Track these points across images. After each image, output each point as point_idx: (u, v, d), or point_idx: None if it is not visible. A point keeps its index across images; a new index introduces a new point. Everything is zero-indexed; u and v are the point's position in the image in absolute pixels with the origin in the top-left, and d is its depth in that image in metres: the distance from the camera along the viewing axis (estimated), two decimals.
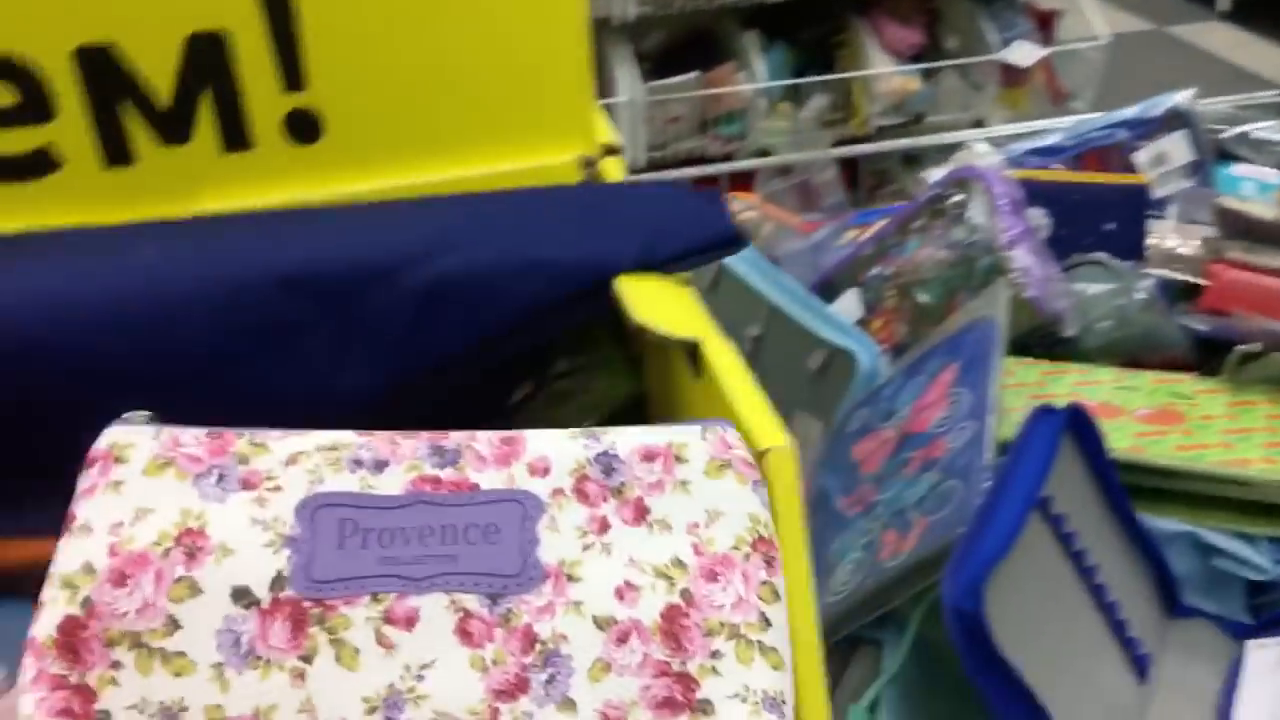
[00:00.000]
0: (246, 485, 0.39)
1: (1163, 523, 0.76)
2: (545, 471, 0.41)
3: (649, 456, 0.43)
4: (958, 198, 0.98)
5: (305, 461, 0.40)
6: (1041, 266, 0.91)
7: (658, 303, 0.55)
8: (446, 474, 0.40)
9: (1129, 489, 0.74)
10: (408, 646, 0.39)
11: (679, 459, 0.43)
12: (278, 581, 0.38)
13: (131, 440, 0.39)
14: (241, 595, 0.38)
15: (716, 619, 0.42)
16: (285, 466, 0.40)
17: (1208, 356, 0.88)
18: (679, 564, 0.42)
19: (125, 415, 0.42)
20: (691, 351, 0.51)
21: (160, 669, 0.38)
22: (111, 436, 0.40)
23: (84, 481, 0.39)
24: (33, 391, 0.52)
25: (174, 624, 0.38)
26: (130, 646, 0.38)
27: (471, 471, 0.41)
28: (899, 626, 0.73)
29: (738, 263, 0.99)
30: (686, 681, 0.41)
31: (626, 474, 0.42)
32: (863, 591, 0.70)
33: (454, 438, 0.42)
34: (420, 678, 0.39)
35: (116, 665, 0.38)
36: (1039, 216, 0.98)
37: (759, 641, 0.42)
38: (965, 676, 0.71)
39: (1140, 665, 0.70)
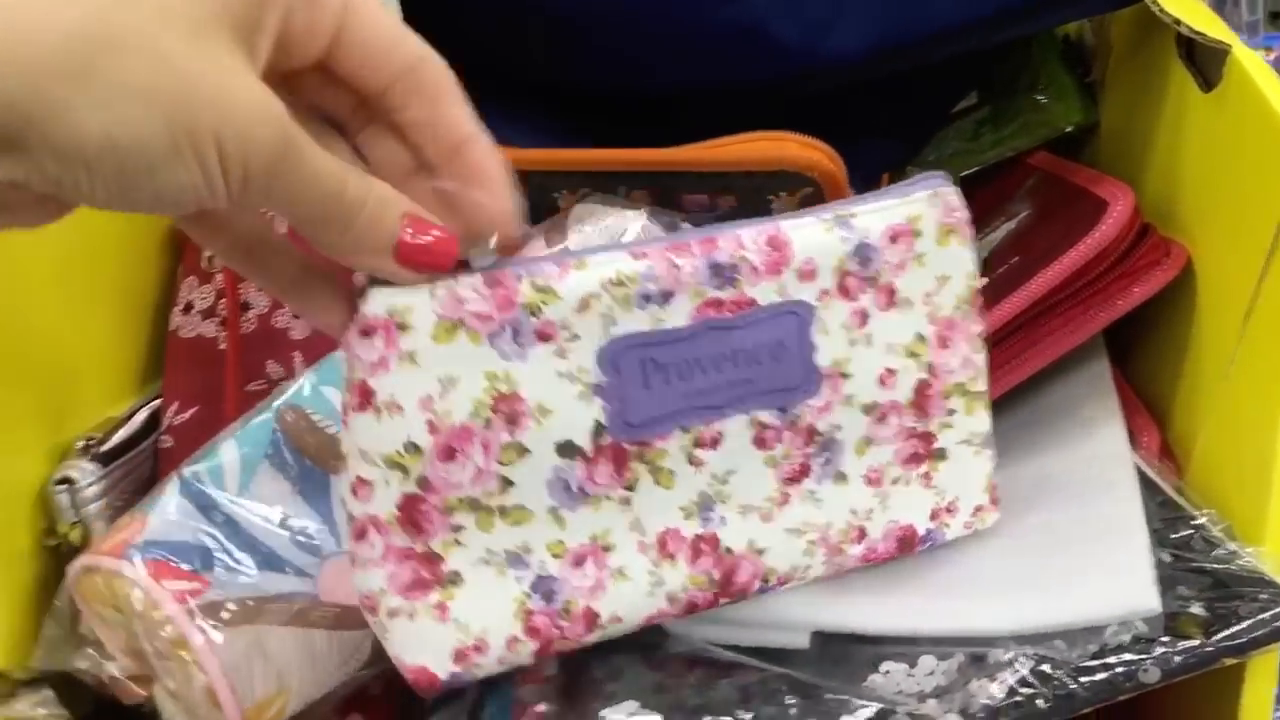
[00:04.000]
0: (543, 337, 0.39)
1: None
2: (812, 275, 0.42)
3: (895, 237, 0.43)
4: None
5: (596, 305, 0.39)
6: None
7: (1177, 6, 0.52)
8: (727, 294, 0.41)
9: None
10: (713, 461, 0.43)
11: (915, 233, 0.43)
12: (598, 431, 0.40)
13: (409, 302, 0.37)
14: (566, 449, 0.40)
15: (950, 382, 0.45)
16: (577, 313, 0.39)
17: None
18: (920, 339, 0.44)
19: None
20: (1219, 56, 0.49)
21: (500, 522, 0.40)
22: (386, 299, 0.36)
23: (368, 352, 0.37)
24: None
25: (507, 483, 0.40)
26: (469, 510, 0.40)
27: (747, 286, 0.41)
28: None
29: None
30: (928, 438, 0.46)
31: (878, 260, 0.43)
32: None
33: (724, 247, 0.41)
34: (725, 481, 0.43)
35: (458, 529, 0.40)
36: None
37: (978, 391, 0.46)
38: None
39: None
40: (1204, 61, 0.52)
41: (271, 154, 0.29)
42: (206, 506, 0.46)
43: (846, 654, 0.45)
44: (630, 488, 0.42)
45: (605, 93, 0.64)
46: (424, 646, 0.40)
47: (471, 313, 0.38)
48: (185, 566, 0.44)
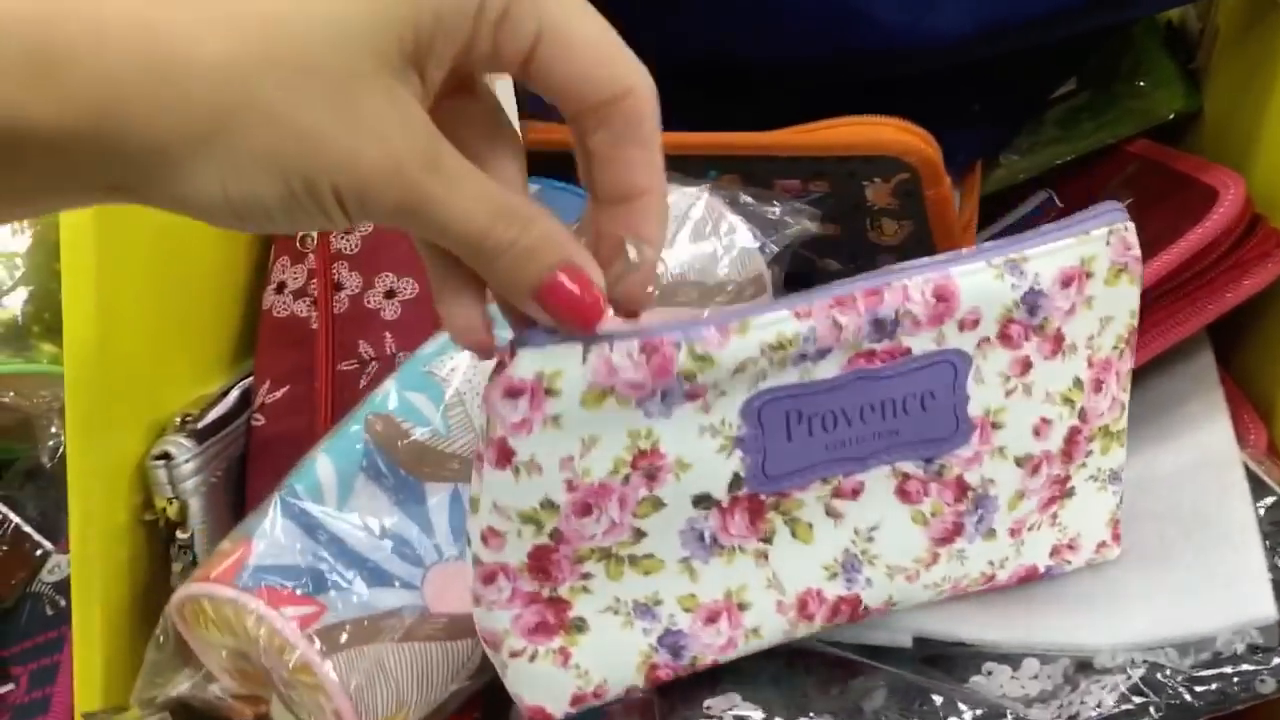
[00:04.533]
0: (691, 397, 0.37)
1: None
2: (975, 323, 0.40)
3: (1067, 281, 0.40)
4: None
5: (751, 367, 0.37)
6: None
7: None
8: (883, 345, 0.39)
9: None
10: (854, 513, 0.41)
11: (1088, 275, 0.41)
12: (735, 483, 0.39)
13: (559, 367, 0.35)
14: (702, 500, 0.39)
15: (1098, 426, 0.43)
16: (731, 376, 0.37)
17: None
18: (1078, 384, 0.42)
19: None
20: None
21: (630, 571, 0.39)
22: (535, 363, 0.35)
23: (512, 414, 0.35)
24: None
25: (639, 534, 0.39)
26: (599, 559, 0.39)
27: (904, 337, 0.39)
28: None
29: None
30: (1065, 481, 0.44)
31: (1048, 307, 0.40)
32: None
33: (889, 301, 0.38)
34: (870, 539, 0.41)
35: (587, 576, 0.39)
36: None
37: (1118, 431, 0.44)
38: None
39: None
40: None
41: (396, 208, 0.29)
42: (311, 526, 0.46)
43: (948, 654, 0.44)
44: (767, 540, 0.40)
45: (698, 70, 0.63)
46: (543, 688, 0.40)
47: (625, 381, 0.36)
48: (300, 591, 0.44)
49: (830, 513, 0.41)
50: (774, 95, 0.62)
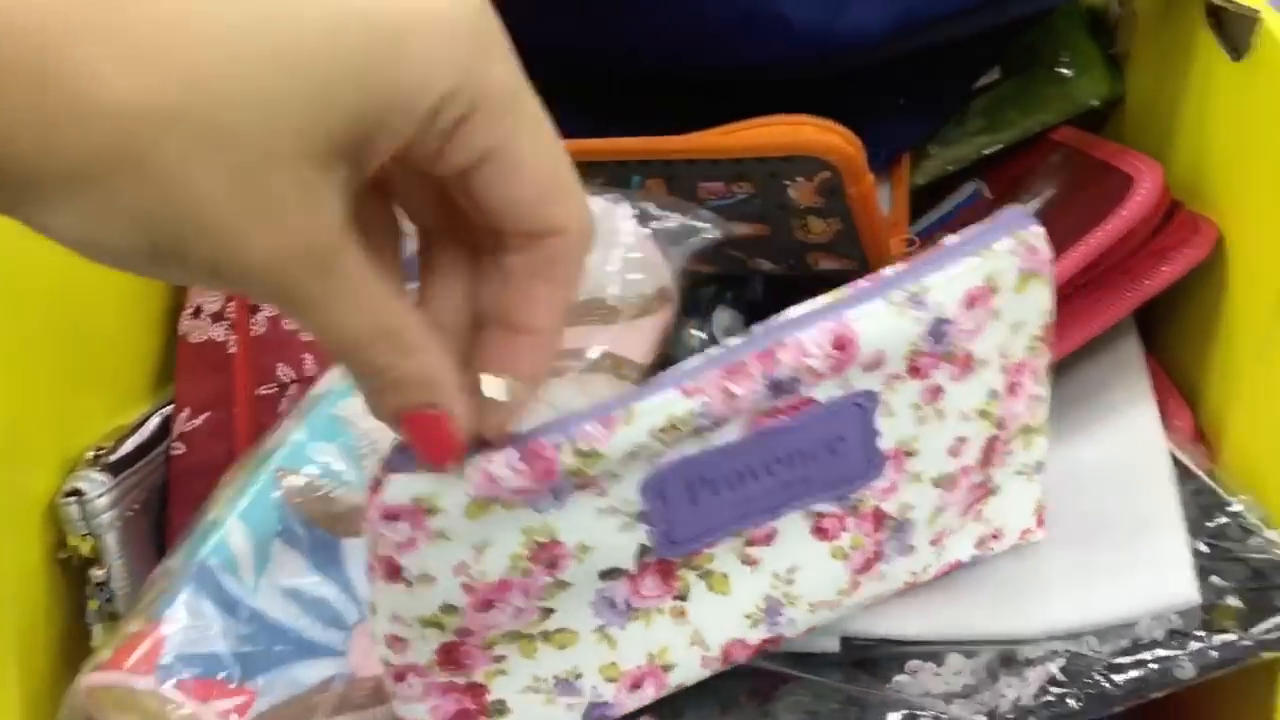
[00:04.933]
0: (582, 487, 0.36)
1: None
2: (879, 365, 0.38)
3: (972, 302, 0.38)
4: None
5: (643, 452, 0.36)
6: None
7: None
8: (783, 402, 0.37)
9: None
10: (771, 558, 0.40)
11: (994, 290, 0.39)
12: (643, 552, 0.38)
13: (435, 489, 0.33)
14: (610, 574, 0.38)
15: (1017, 427, 0.42)
16: (622, 463, 0.36)
17: None
18: (993, 395, 0.41)
19: None
20: (1249, 23, 0.47)
21: (544, 647, 0.38)
22: (409, 489, 0.33)
23: (394, 534, 0.34)
24: None
25: (548, 612, 0.38)
26: (511, 640, 0.38)
27: (806, 389, 0.37)
28: None
29: None
30: (987, 484, 0.43)
31: (954, 332, 0.38)
32: None
33: (786, 361, 0.36)
34: (791, 581, 0.40)
35: (500, 659, 0.38)
36: None
37: (1039, 425, 0.44)
38: None
39: None
40: (1232, 29, 0.50)
41: (271, 297, 0.27)
42: (230, 603, 0.44)
43: (874, 654, 0.44)
44: (682, 597, 0.39)
45: (621, 79, 0.62)
46: None
47: (509, 489, 0.34)
48: (228, 679, 0.42)
49: (745, 560, 0.40)
50: (701, 101, 0.61)
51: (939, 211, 0.68)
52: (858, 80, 0.60)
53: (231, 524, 0.45)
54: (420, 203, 0.31)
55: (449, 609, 0.36)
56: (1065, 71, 0.64)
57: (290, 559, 0.45)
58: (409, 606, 0.36)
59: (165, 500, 0.54)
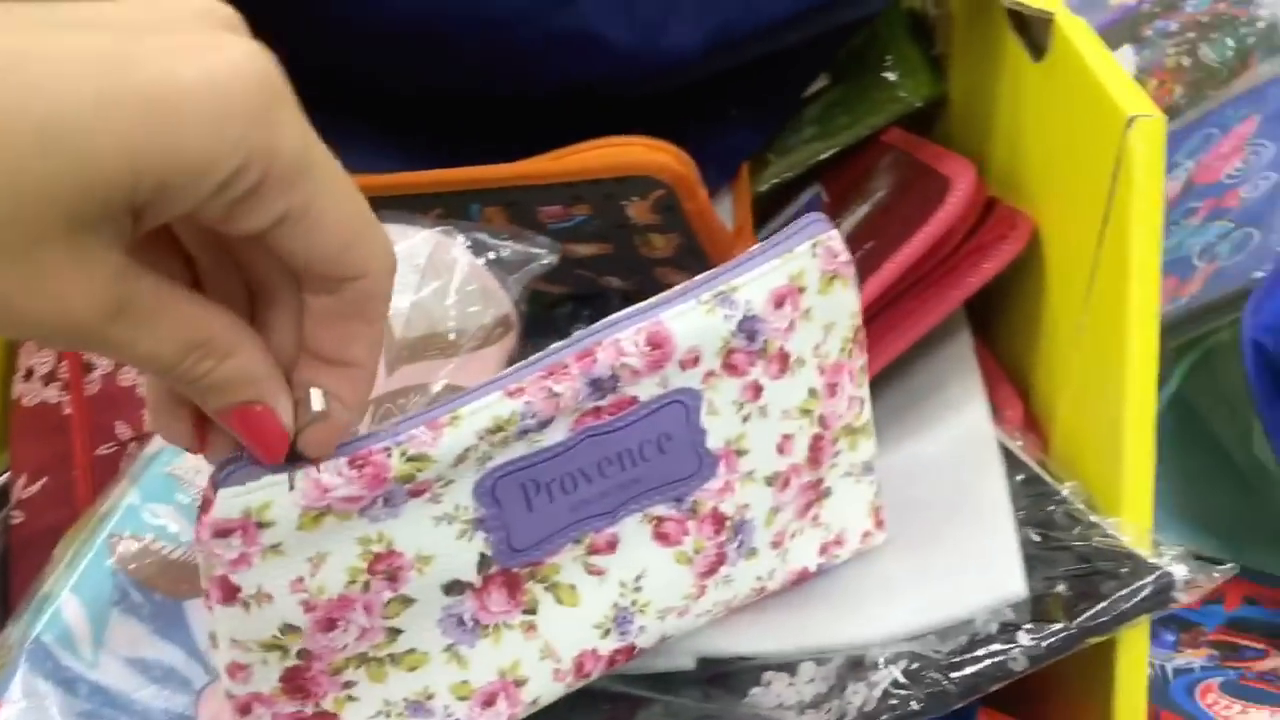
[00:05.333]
0: (415, 494, 0.36)
1: None
2: (696, 361, 0.40)
3: (779, 301, 0.40)
4: None
5: (473, 454, 0.37)
6: None
7: None
8: (606, 401, 0.38)
9: None
10: (616, 567, 0.41)
11: (800, 289, 0.41)
12: (484, 563, 0.38)
13: (265, 500, 0.34)
14: (453, 587, 0.38)
15: (840, 426, 0.44)
16: (453, 466, 0.37)
17: None
18: (813, 394, 0.43)
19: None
20: (1043, 25, 0.49)
21: (393, 670, 0.38)
22: (239, 502, 0.33)
23: (227, 551, 0.34)
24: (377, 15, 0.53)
25: (395, 633, 0.38)
26: (358, 664, 0.38)
27: (627, 388, 0.39)
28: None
29: None
30: (818, 484, 0.45)
31: (766, 330, 0.40)
32: None
33: (603, 359, 0.38)
34: (639, 589, 0.41)
35: (349, 685, 0.38)
36: None
37: (862, 425, 0.45)
38: (1221, 435, 0.71)
39: None
40: (1032, 31, 0.52)
41: (79, 348, 0.28)
42: (69, 681, 0.42)
43: (730, 669, 0.44)
44: (531, 610, 0.40)
45: (449, 107, 0.62)
46: None
47: (339, 498, 0.35)
48: None
49: (591, 570, 0.40)
50: (534, 126, 0.61)
51: (782, 217, 0.70)
52: (687, 95, 0.61)
53: (65, 598, 0.43)
54: (205, 243, 0.32)
55: (290, 629, 0.36)
56: (890, 75, 0.66)
57: (130, 627, 0.44)
58: (248, 629, 0.36)
59: (6, 571, 0.53)
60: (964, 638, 0.42)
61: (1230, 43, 0.91)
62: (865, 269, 0.52)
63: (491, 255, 0.53)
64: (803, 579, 0.45)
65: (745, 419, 0.41)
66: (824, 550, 0.45)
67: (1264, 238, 0.65)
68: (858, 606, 0.45)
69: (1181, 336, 0.68)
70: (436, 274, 0.51)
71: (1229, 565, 0.42)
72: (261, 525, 0.34)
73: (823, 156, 0.67)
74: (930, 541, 0.47)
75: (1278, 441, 0.57)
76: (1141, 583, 0.41)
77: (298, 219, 0.28)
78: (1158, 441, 0.69)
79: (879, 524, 0.46)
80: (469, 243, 0.52)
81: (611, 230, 0.59)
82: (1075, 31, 0.48)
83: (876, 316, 0.52)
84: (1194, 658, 0.62)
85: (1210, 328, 0.65)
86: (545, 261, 0.54)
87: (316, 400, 0.32)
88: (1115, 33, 1.03)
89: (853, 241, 0.58)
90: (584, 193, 0.57)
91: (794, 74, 0.65)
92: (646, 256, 0.62)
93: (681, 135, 0.56)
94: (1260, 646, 0.62)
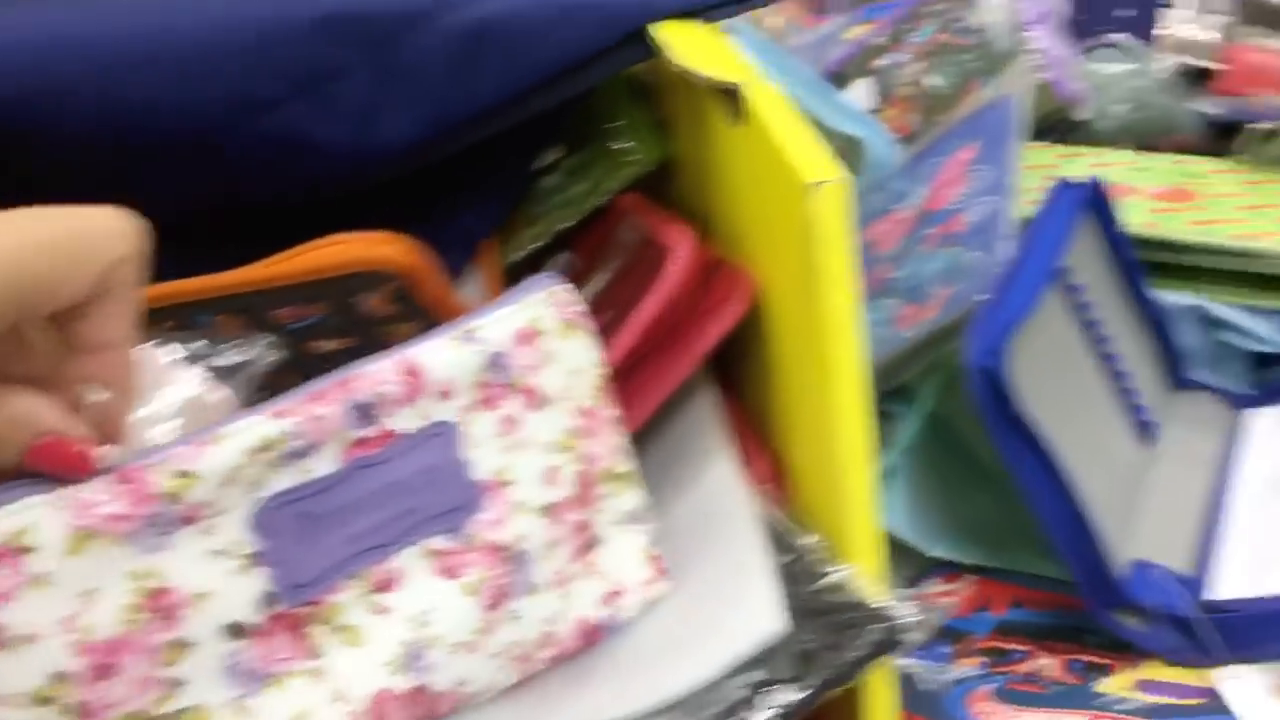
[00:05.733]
0: (187, 521, 0.36)
1: (1172, 297, 0.77)
2: (450, 393, 0.42)
3: (523, 340, 0.44)
4: None
5: (242, 476, 0.37)
6: (1059, 48, 0.90)
7: (698, 49, 0.54)
8: (370, 431, 0.40)
9: (1142, 264, 0.76)
10: (402, 603, 0.41)
11: (540, 332, 0.44)
12: (265, 600, 0.38)
13: (26, 522, 0.33)
14: (234, 630, 0.38)
15: (601, 468, 0.46)
16: (222, 488, 0.37)
17: (1220, 141, 0.88)
18: (570, 432, 0.45)
19: None
20: (731, 95, 0.51)
21: None
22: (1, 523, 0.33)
23: None
24: (65, 132, 0.51)
25: (176, 684, 0.36)
26: None
27: (387, 420, 0.41)
28: (908, 400, 0.75)
29: (746, 49, 0.97)
30: (587, 527, 0.46)
31: (513, 365, 0.43)
32: (882, 362, 0.71)
33: (363, 387, 0.40)
34: (426, 624, 0.41)
35: None
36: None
37: (624, 472, 0.47)
38: (975, 446, 0.74)
39: (1146, 431, 0.73)
40: (727, 99, 0.53)
41: None
42: None
43: None
44: (315, 655, 0.39)
45: (177, 217, 0.60)
46: None
47: (105, 516, 0.35)
48: None
49: (375, 610, 0.40)
50: (263, 228, 0.60)
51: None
52: (420, 181, 0.61)
53: None
54: None
55: (60, 678, 0.34)
56: (620, 141, 0.67)
57: None
58: (12, 678, 0.34)
59: None
60: (718, 706, 0.43)
61: (953, 70, 0.97)
62: (607, 336, 0.53)
63: (212, 363, 0.51)
64: (594, 634, 0.45)
65: (506, 450, 0.43)
66: (606, 600, 0.46)
67: (987, 262, 0.70)
68: (627, 677, 0.46)
69: (925, 360, 0.72)
70: (153, 390, 0.49)
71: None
72: (25, 550, 0.34)
73: (569, 224, 0.67)
74: (687, 603, 0.47)
75: (1008, 457, 0.60)
76: (871, 628, 0.43)
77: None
78: (919, 457, 0.73)
79: (661, 572, 0.47)
80: (185, 353, 0.51)
81: (351, 325, 0.58)
82: (764, 100, 0.50)
83: (625, 380, 0.53)
84: (967, 667, 0.64)
85: (951, 348, 0.69)
86: (271, 359, 0.53)
87: (91, 391, 0.35)
88: (853, 66, 1.08)
89: (596, 310, 0.59)
90: (317, 293, 0.56)
91: (521, 148, 0.65)
92: (396, 344, 0.61)
93: (424, 220, 0.56)
94: (1025, 649, 0.65)
